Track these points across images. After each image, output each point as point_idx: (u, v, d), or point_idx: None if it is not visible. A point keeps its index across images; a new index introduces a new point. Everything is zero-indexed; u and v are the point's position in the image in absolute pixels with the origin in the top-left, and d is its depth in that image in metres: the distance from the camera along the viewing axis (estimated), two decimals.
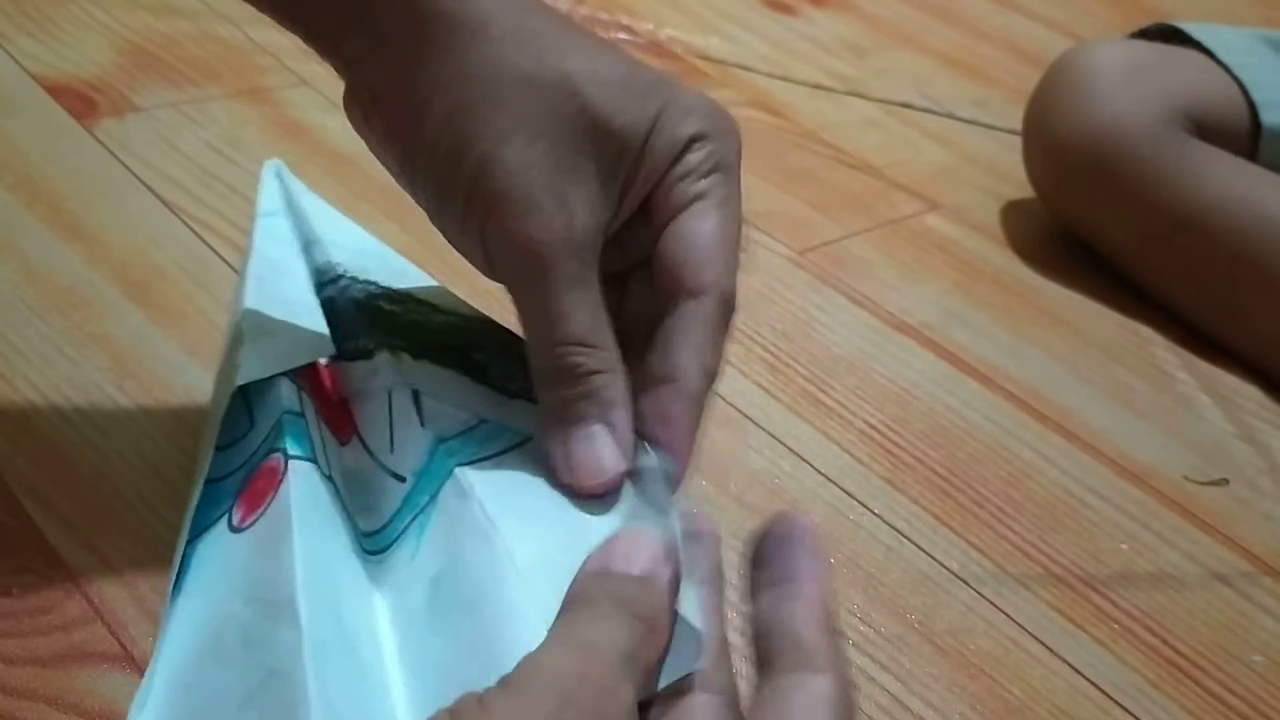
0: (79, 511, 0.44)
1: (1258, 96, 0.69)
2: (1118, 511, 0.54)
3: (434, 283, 0.47)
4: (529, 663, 0.26)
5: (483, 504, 0.35)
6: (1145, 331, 0.67)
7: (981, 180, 0.78)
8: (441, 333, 0.43)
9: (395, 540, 0.37)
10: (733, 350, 0.56)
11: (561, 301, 0.35)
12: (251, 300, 0.42)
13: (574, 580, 0.29)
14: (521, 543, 0.34)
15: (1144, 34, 0.75)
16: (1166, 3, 1.07)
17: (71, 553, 0.43)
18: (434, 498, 0.36)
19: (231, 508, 0.37)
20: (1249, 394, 0.63)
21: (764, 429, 0.55)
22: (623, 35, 0.88)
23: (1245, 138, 0.70)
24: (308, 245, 0.47)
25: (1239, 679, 0.47)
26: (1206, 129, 0.68)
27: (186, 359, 0.52)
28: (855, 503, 0.52)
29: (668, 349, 0.35)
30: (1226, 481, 0.57)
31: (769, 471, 0.52)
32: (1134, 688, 0.45)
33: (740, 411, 0.56)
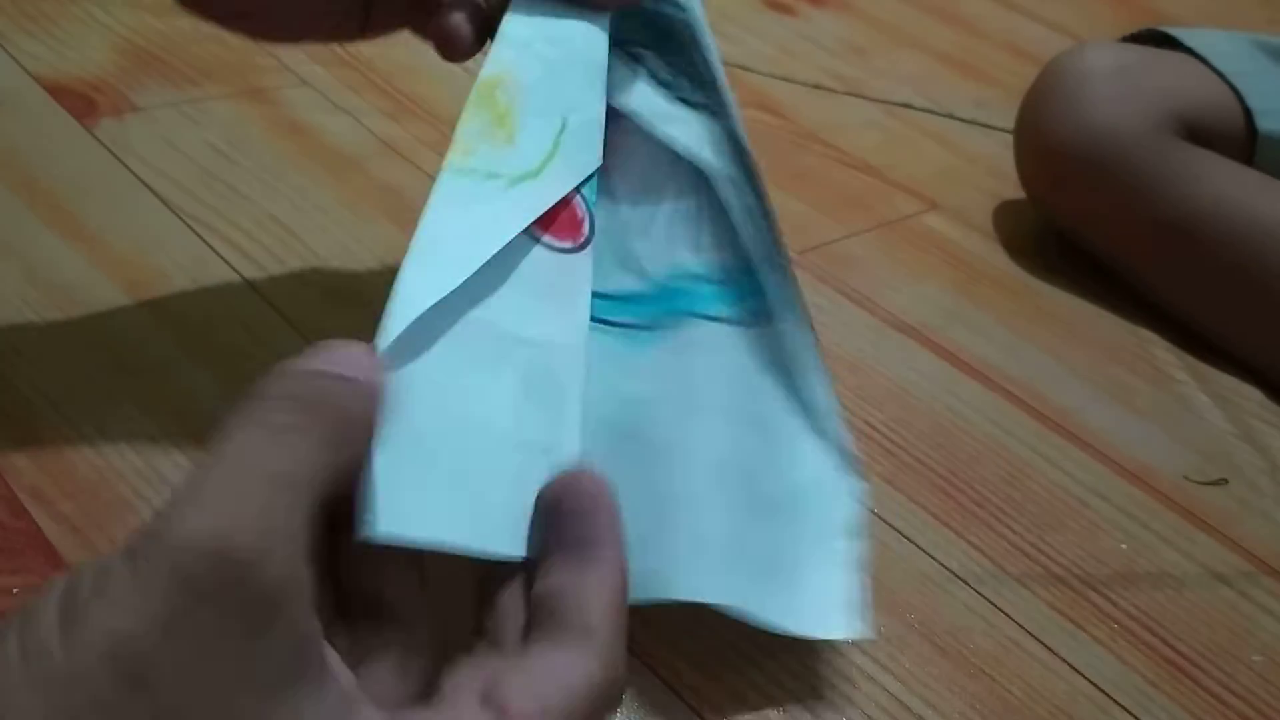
0: (79, 511, 0.44)
1: (1253, 104, 0.69)
2: (1117, 511, 0.54)
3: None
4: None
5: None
6: (1145, 332, 0.67)
7: (982, 180, 0.78)
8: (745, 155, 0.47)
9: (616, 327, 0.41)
10: None
11: None
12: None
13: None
14: (704, 435, 0.40)
15: (1135, 38, 0.75)
16: (1167, 4, 1.07)
17: (71, 553, 0.43)
18: (658, 329, 0.42)
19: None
20: (1249, 394, 0.63)
21: None
22: None
23: (1240, 144, 0.69)
24: None
25: (1239, 679, 0.47)
26: (1200, 134, 0.68)
27: (186, 359, 0.52)
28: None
29: None
30: (1226, 481, 0.57)
31: None
32: (1134, 687, 0.45)
33: None
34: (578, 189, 0.39)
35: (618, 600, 0.27)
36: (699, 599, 0.39)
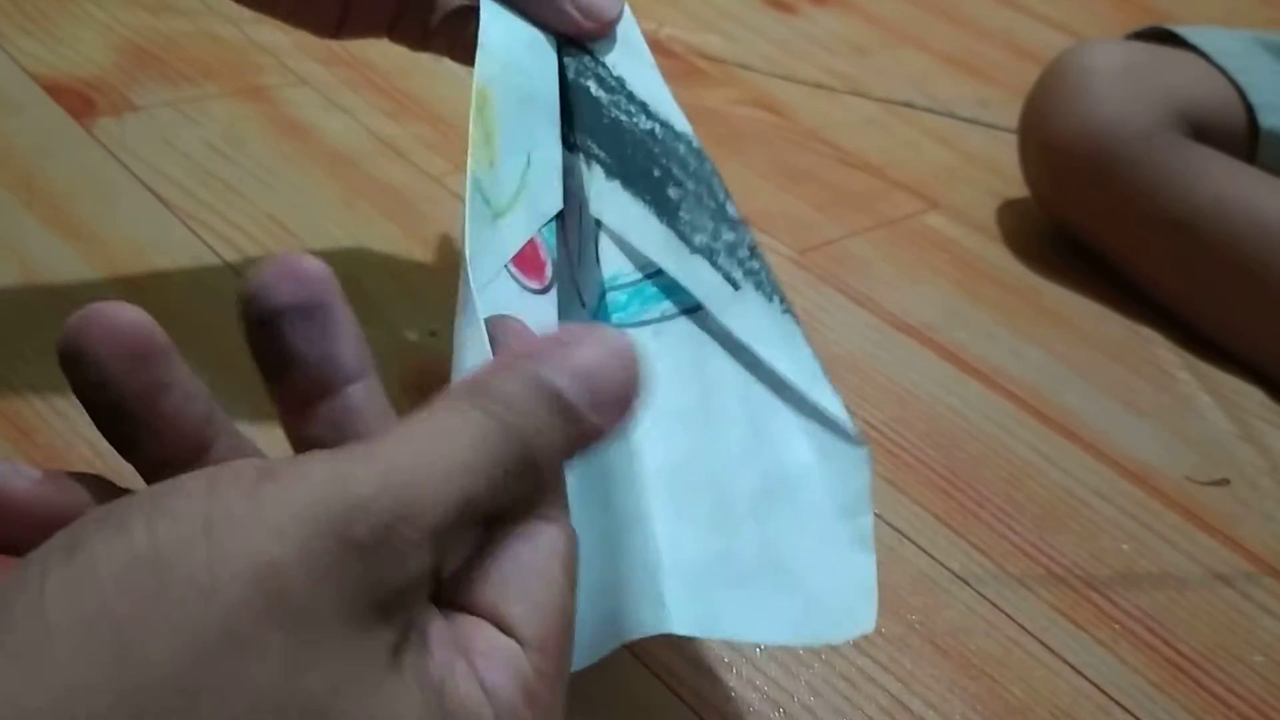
0: None
1: (1255, 99, 0.69)
2: (1119, 512, 0.54)
3: (658, 77, 0.42)
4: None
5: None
6: (1146, 331, 0.66)
7: (982, 180, 0.78)
8: (643, 147, 0.40)
9: None
10: None
11: None
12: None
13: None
14: (651, 445, 0.35)
15: (1138, 36, 0.75)
16: (1169, 2, 1.07)
17: None
18: None
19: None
20: (1250, 394, 0.63)
21: None
22: None
23: (1243, 140, 0.69)
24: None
25: (1240, 679, 0.46)
26: (1203, 131, 0.68)
27: (185, 358, 0.52)
28: None
29: None
30: (1228, 482, 0.56)
31: None
32: (1135, 688, 0.45)
33: None
34: (540, 230, 0.37)
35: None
36: (682, 631, 0.35)
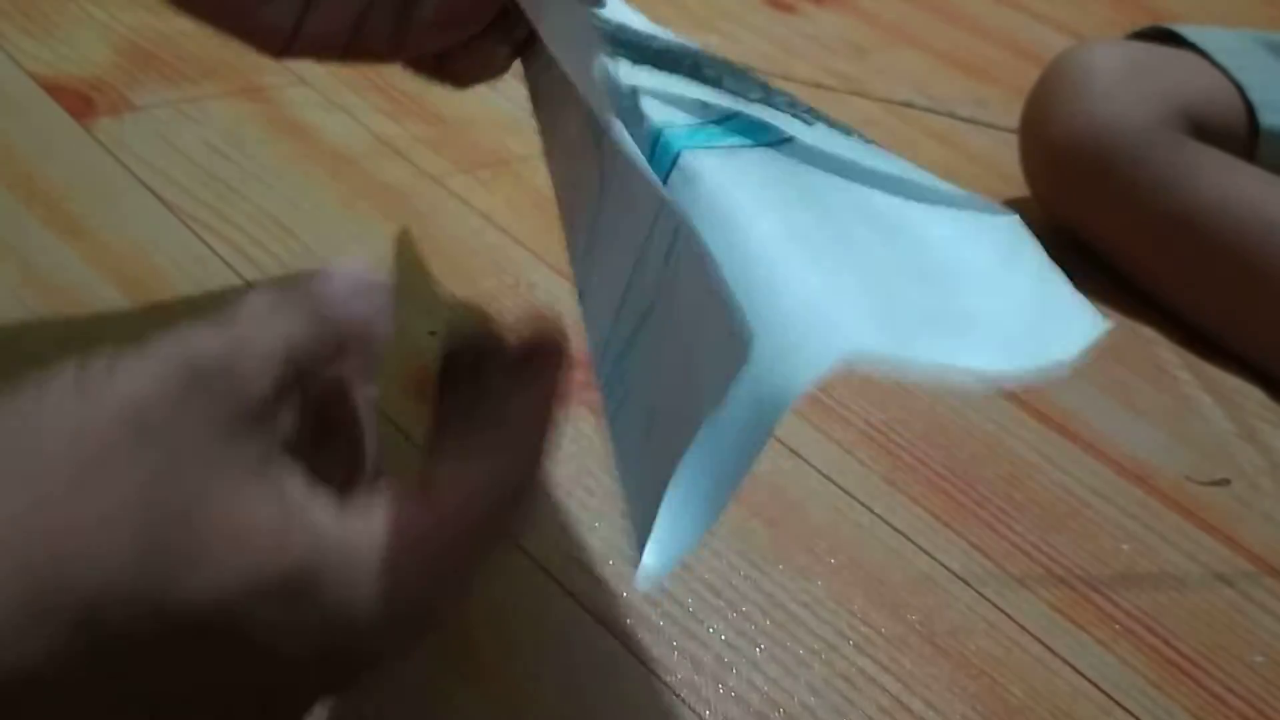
0: None
1: (1256, 98, 0.69)
2: (1119, 512, 0.54)
3: (646, 21, 0.41)
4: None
5: (720, 188, 0.30)
6: (1147, 331, 0.66)
7: (982, 179, 0.78)
8: (665, 53, 0.38)
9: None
10: None
11: None
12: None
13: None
14: (767, 220, 0.29)
15: (1140, 36, 0.75)
16: (1169, 1, 1.07)
17: None
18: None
19: None
20: (1251, 394, 0.63)
21: None
22: None
23: (1243, 139, 0.69)
24: None
25: (1241, 679, 0.46)
26: (1204, 130, 0.68)
27: None
28: (856, 503, 0.51)
29: None
30: (1228, 481, 0.56)
31: (770, 472, 0.52)
32: (1135, 688, 0.45)
33: None
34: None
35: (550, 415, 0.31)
36: (876, 346, 0.26)
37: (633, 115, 0.33)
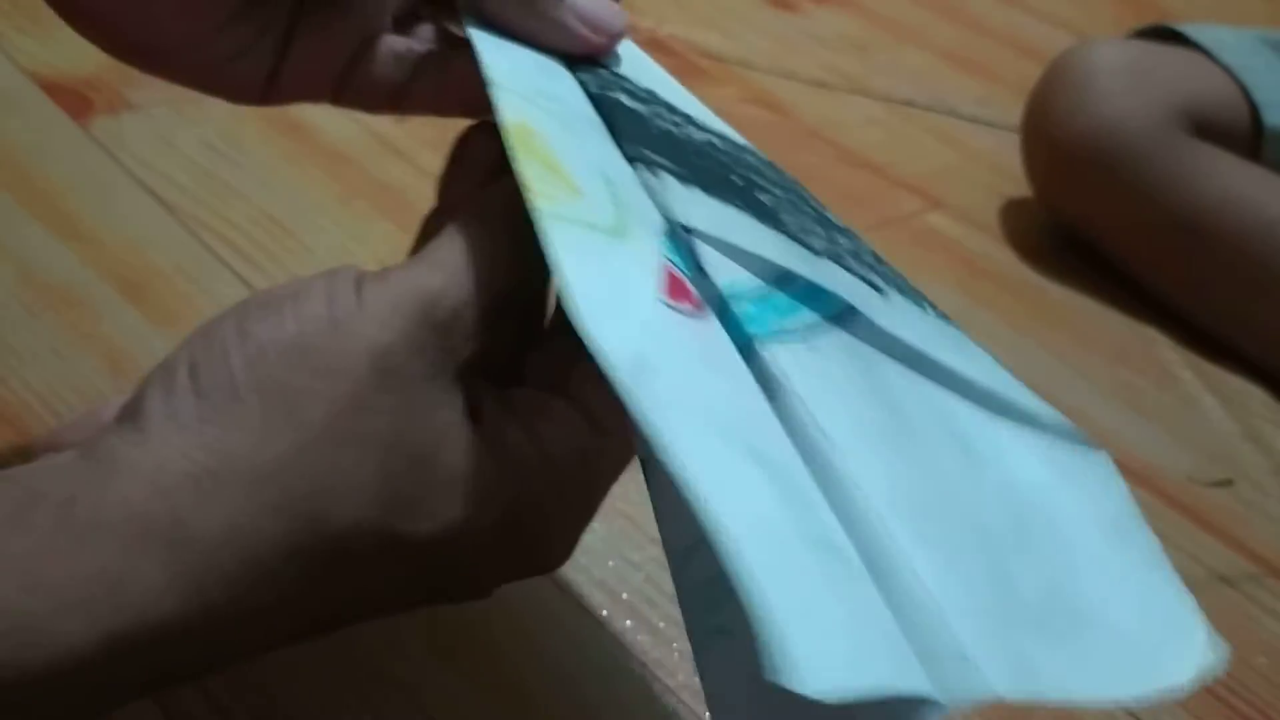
0: None
1: (1259, 97, 0.69)
2: None
3: (680, 88, 0.37)
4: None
5: (804, 402, 0.27)
6: (1149, 331, 0.66)
7: (984, 178, 0.77)
8: (709, 156, 0.34)
9: None
10: None
11: None
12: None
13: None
14: (869, 473, 0.27)
15: (1143, 34, 0.75)
16: (1171, 0, 1.07)
17: None
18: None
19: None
20: (1254, 394, 0.63)
21: None
22: None
23: (1247, 139, 0.69)
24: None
25: (1243, 680, 0.46)
26: (1207, 130, 0.68)
27: None
28: None
29: None
30: (1231, 482, 0.56)
31: None
32: None
33: None
34: (664, 254, 0.29)
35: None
36: (1008, 693, 0.26)
37: (683, 251, 0.30)
